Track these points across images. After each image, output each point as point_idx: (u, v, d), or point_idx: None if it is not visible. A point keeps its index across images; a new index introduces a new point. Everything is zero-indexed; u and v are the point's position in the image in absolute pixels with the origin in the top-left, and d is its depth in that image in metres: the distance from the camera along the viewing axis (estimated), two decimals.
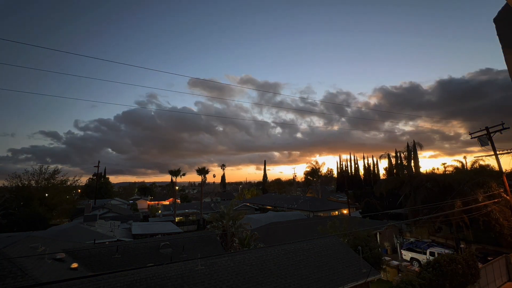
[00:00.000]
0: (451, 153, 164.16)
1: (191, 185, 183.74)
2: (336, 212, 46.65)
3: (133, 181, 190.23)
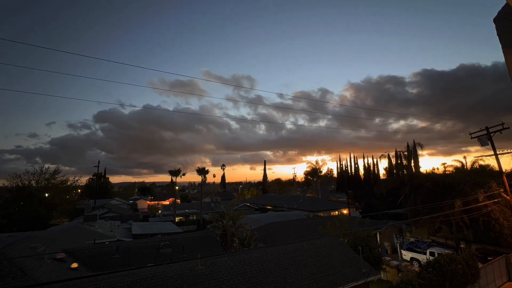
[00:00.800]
0: (448, 152, 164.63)
1: (191, 185, 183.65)
2: (336, 212, 46.65)
3: (127, 181, 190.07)
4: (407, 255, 23.44)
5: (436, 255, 19.43)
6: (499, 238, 20.76)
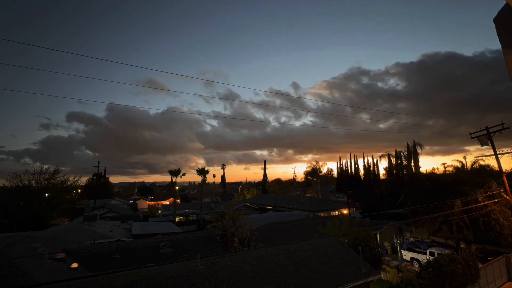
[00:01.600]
0: (447, 151, 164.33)
1: (191, 185, 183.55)
2: (336, 212, 46.63)
3: (123, 181, 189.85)
4: (407, 255, 23.43)
5: (436, 255, 19.43)
6: (499, 238, 20.76)
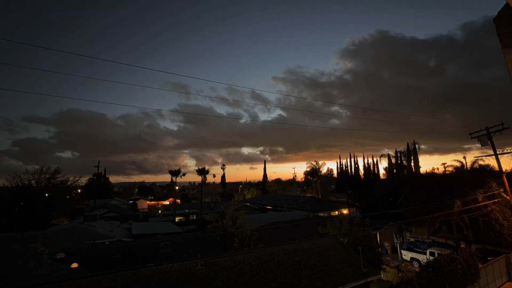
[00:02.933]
0: (446, 151, 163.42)
1: (191, 185, 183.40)
2: (336, 212, 46.60)
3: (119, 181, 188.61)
4: (407, 255, 23.43)
5: (436, 255, 19.41)
6: (499, 238, 20.77)
